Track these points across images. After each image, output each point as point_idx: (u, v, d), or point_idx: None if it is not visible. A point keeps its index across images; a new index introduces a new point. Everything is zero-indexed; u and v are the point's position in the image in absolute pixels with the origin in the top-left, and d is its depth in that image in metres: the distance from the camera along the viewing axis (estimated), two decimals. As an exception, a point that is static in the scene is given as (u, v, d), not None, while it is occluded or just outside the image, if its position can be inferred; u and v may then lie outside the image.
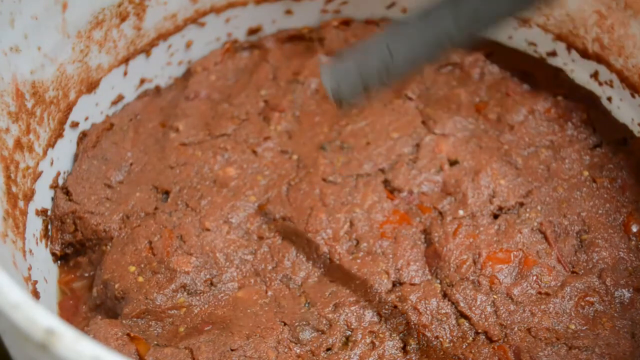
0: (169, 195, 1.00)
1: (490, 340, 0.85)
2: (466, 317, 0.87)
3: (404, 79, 0.74)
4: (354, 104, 0.78)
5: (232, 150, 1.04)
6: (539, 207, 0.97)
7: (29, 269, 0.89)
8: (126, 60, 1.08)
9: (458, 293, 0.89)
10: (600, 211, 0.97)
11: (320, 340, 0.85)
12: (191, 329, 0.86)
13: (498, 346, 0.85)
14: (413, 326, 0.87)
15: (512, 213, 0.97)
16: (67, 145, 1.03)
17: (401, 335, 0.86)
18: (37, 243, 0.94)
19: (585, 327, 0.87)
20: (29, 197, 0.93)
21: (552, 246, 0.94)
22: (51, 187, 1.00)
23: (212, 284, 0.91)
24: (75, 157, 1.04)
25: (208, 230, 0.95)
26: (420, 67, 0.73)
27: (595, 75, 1.08)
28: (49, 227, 0.99)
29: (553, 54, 1.12)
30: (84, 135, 1.05)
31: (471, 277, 0.90)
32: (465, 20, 0.66)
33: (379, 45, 0.72)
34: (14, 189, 0.88)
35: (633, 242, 0.95)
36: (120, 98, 1.10)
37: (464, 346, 0.85)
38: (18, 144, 0.89)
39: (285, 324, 0.86)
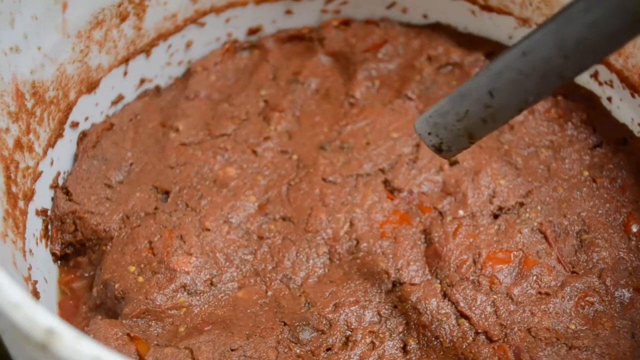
0: (169, 195, 1.00)
1: (490, 340, 0.85)
2: (466, 317, 0.87)
3: (509, 119, 0.69)
4: (455, 151, 0.75)
5: (232, 150, 1.04)
6: (539, 207, 0.97)
7: (29, 269, 0.89)
8: (126, 60, 1.08)
9: (458, 293, 0.89)
10: (600, 211, 0.97)
11: (320, 340, 0.85)
12: (191, 329, 0.87)
13: (498, 346, 0.85)
14: (413, 326, 0.87)
15: (512, 213, 0.97)
16: (67, 145, 1.03)
17: (401, 335, 0.86)
18: (37, 243, 0.94)
19: (585, 327, 0.87)
20: (29, 197, 0.93)
21: (552, 246, 0.94)
22: (51, 187, 1.00)
23: (212, 284, 0.91)
24: (75, 157, 1.04)
25: (208, 230, 0.95)
26: (527, 105, 0.66)
27: (595, 75, 1.08)
28: (49, 227, 0.99)
29: (553, 54, 1.12)
30: (84, 135, 1.05)
31: (471, 277, 0.90)
32: (572, 50, 0.59)
33: (478, 89, 0.67)
34: (14, 189, 0.88)
35: (633, 242, 0.95)
36: (120, 98, 1.10)
37: (464, 346, 0.85)
38: (18, 144, 0.89)
39: (285, 324, 0.86)
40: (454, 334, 0.86)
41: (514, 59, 0.64)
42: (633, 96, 1.03)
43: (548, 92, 0.65)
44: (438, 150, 0.75)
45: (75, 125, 1.03)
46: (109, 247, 0.96)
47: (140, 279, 0.91)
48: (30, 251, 0.91)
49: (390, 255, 0.93)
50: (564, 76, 0.62)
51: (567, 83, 0.63)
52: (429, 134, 0.74)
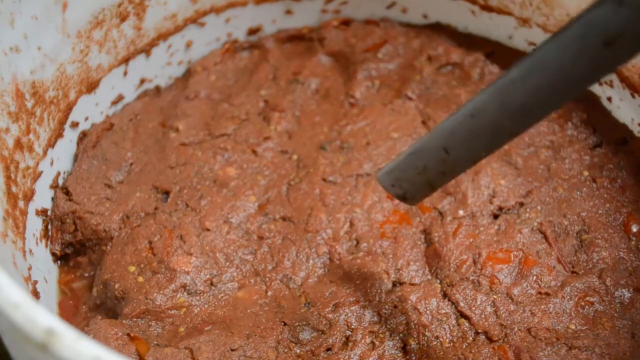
0: (169, 195, 1.00)
1: (490, 340, 0.85)
2: (466, 317, 0.87)
3: (467, 169, 0.74)
4: (419, 199, 0.79)
5: (232, 150, 1.04)
6: (539, 207, 0.97)
7: (29, 269, 0.89)
8: (126, 60, 1.08)
9: (458, 293, 0.89)
10: (600, 211, 0.97)
11: (320, 340, 0.85)
12: (191, 329, 0.87)
13: (498, 346, 0.85)
14: (413, 326, 0.87)
15: (512, 213, 0.97)
16: (67, 145, 1.03)
17: (401, 335, 0.86)
18: (37, 243, 0.94)
19: (585, 327, 0.87)
20: (29, 197, 0.93)
21: (552, 246, 0.94)
22: (51, 187, 1.00)
23: (212, 284, 0.91)
24: (75, 157, 1.04)
25: (208, 230, 0.95)
26: (481, 158, 0.70)
27: (595, 75, 1.08)
28: (49, 227, 0.99)
29: (553, 54, 1.12)
30: (84, 135, 1.05)
31: (471, 277, 0.90)
32: (516, 112, 0.62)
33: (434, 147, 0.71)
34: (14, 189, 0.88)
35: (633, 242, 0.95)
36: (120, 98, 1.10)
37: (464, 346, 0.85)
38: (18, 144, 0.89)
39: (285, 324, 0.86)
40: (454, 334, 0.86)
41: (464, 120, 0.67)
42: (633, 96, 1.03)
43: (500, 146, 0.69)
44: (403, 199, 0.80)
45: (75, 125, 1.03)
46: (109, 247, 0.96)
47: (140, 279, 0.91)
48: (30, 251, 0.91)
49: (390, 255, 0.93)
50: (513, 133, 0.66)
51: (518, 136, 0.67)
52: (392, 186, 0.79)
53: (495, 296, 0.89)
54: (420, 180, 0.75)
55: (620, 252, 0.93)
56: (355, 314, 0.87)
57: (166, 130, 1.07)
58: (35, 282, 0.90)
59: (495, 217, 0.97)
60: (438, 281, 0.91)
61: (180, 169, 1.02)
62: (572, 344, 0.84)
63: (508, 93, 0.62)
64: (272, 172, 1.02)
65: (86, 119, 1.05)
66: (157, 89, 1.15)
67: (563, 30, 0.57)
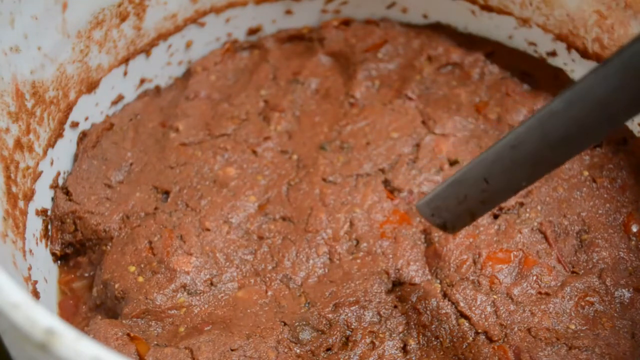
0: (169, 195, 1.00)
1: (490, 340, 0.85)
2: (466, 317, 0.87)
3: (507, 199, 0.75)
4: (459, 227, 0.81)
5: (232, 150, 1.04)
6: (539, 207, 0.97)
7: (29, 269, 0.89)
8: (126, 60, 1.08)
9: (458, 293, 0.89)
10: (600, 211, 0.97)
11: (320, 340, 0.85)
12: (191, 329, 0.86)
13: (498, 346, 0.85)
14: (413, 326, 0.87)
15: (512, 213, 0.97)
16: (67, 145, 1.03)
17: (401, 335, 0.86)
18: (37, 243, 0.94)
19: (585, 327, 0.87)
20: (29, 197, 0.93)
21: (552, 246, 0.94)
22: (51, 187, 1.00)
23: (212, 284, 0.91)
24: (75, 157, 1.04)
25: (208, 230, 0.95)
26: (522, 188, 0.71)
27: (595, 75, 1.08)
28: (49, 227, 0.99)
29: (553, 54, 1.12)
30: (84, 135, 1.05)
31: (471, 277, 0.90)
32: (557, 143, 0.63)
33: (475, 177, 0.72)
34: (14, 189, 0.88)
35: (633, 242, 0.95)
36: (120, 98, 1.10)
37: (464, 346, 0.85)
38: (18, 144, 0.89)
39: (285, 324, 0.86)
40: (454, 334, 0.86)
41: (505, 151, 0.68)
42: (633, 96, 1.03)
43: (540, 177, 0.70)
44: (443, 228, 0.81)
45: (75, 125, 1.03)
46: (109, 247, 0.96)
47: (140, 279, 0.91)
48: (30, 251, 0.91)
49: (390, 255, 0.93)
50: (554, 164, 0.67)
51: (559, 167, 0.68)
52: (432, 215, 0.80)
53: (495, 296, 0.89)
54: (461, 210, 0.76)
55: (620, 252, 0.93)
56: (355, 314, 0.87)
57: (166, 130, 1.07)
58: (35, 282, 0.90)
59: (495, 217, 0.97)
60: (438, 281, 0.91)
61: (180, 169, 1.02)
62: (572, 344, 0.84)
63: (550, 124, 0.62)
64: (272, 172, 1.02)
65: (86, 119, 1.05)
66: (157, 89, 1.15)
67: (606, 62, 0.57)
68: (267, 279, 0.92)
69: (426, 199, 0.80)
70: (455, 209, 0.77)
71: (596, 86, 0.58)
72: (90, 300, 0.95)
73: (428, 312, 0.87)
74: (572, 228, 0.96)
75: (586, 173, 1.01)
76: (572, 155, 0.65)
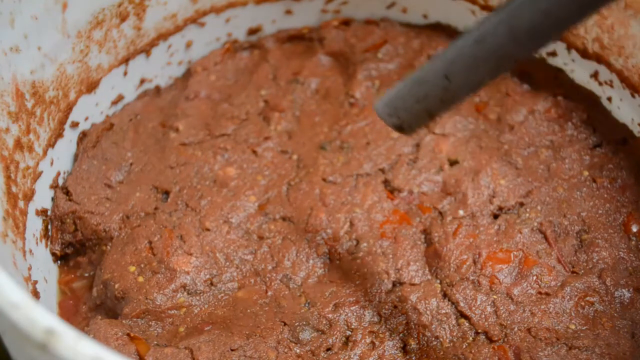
0: (169, 195, 1.00)
1: (490, 340, 0.85)
2: (466, 317, 0.87)
3: (467, 98, 0.74)
4: (416, 128, 0.79)
5: (232, 150, 1.04)
6: (539, 207, 0.97)
7: (29, 269, 0.89)
8: (126, 60, 1.08)
9: (458, 293, 0.89)
10: (600, 211, 0.97)
11: (320, 340, 0.85)
12: (191, 329, 0.87)
13: (498, 346, 0.85)
14: (413, 326, 0.87)
15: (512, 213, 0.97)
16: (67, 145, 1.03)
17: (401, 335, 0.86)
18: (37, 243, 0.94)
19: (585, 327, 0.87)
20: (29, 197, 0.93)
21: (552, 246, 0.94)
22: (51, 187, 1.00)
23: (212, 284, 0.91)
24: (75, 157, 1.04)
25: (208, 230, 0.95)
26: (483, 85, 0.70)
27: (595, 75, 1.08)
28: (49, 227, 0.99)
29: (553, 54, 1.12)
30: (84, 135, 1.05)
31: (471, 277, 0.90)
32: (524, 36, 0.62)
33: (435, 75, 0.70)
34: (14, 189, 0.88)
35: (633, 242, 0.95)
36: (120, 98, 1.10)
37: (464, 346, 0.85)
38: (18, 144, 0.89)
39: (285, 324, 0.86)
40: (454, 334, 0.86)
41: (467, 47, 0.66)
42: (633, 96, 1.03)
43: (502, 73, 0.69)
44: (400, 128, 0.78)
45: (75, 125, 1.03)
46: (109, 247, 0.96)
47: (140, 279, 0.91)
48: (30, 251, 0.91)
49: (390, 255, 0.93)
50: (518, 59, 0.65)
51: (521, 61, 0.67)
52: (390, 115, 0.78)
53: (495, 296, 0.89)
54: (419, 109, 0.74)
55: (620, 252, 0.93)
56: (355, 314, 0.87)
57: (166, 130, 1.07)
58: (35, 282, 0.90)
59: (495, 217, 0.97)
60: (438, 281, 0.91)
61: (180, 169, 1.02)
62: (572, 344, 0.84)
63: (517, 17, 0.61)
64: (272, 172, 1.02)
65: (86, 119, 1.05)
66: (157, 89, 1.15)
67: None
68: (267, 279, 0.92)
69: (385, 99, 0.78)
70: (413, 109, 0.75)
71: None
72: (90, 300, 0.95)
73: (428, 312, 0.87)
74: (572, 228, 0.96)
75: (586, 173, 1.01)
76: (536, 49, 0.64)
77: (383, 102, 0.78)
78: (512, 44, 0.63)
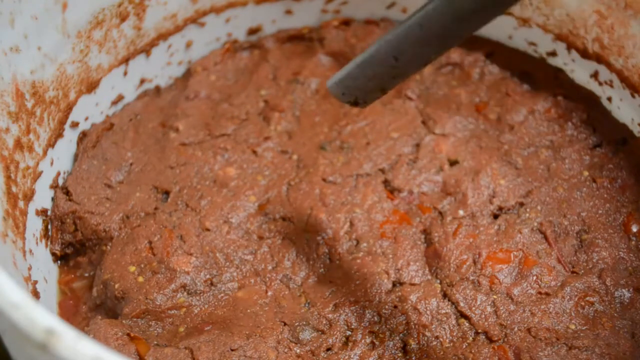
0: (169, 195, 1.00)
1: (490, 340, 0.85)
2: (466, 317, 0.87)
3: (418, 71, 0.76)
4: (370, 102, 0.82)
5: (232, 150, 1.04)
6: (539, 207, 0.97)
7: (29, 269, 0.89)
8: (126, 60, 1.08)
9: (458, 293, 0.89)
10: (600, 211, 0.97)
11: (320, 340, 0.85)
12: (191, 329, 0.87)
13: (498, 346, 0.85)
14: (413, 326, 0.87)
15: (512, 213, 0.97)
16: (67, 145, 1.03)
17: (401, 335, 0.86)
18: (37, 243, 0.94)
19: (585, 327, 0.87)
20: (29, 197, 0.93)
21: (552, 246, 0.94)
22: (51, 187, 1.00)
23: (212, 284, 0.91)
24: (75, 157, 1.04)
25: (208, 230, 0.95)
26: (432, 60, 0.73)
27: (595, 75, 1.08)
28: (49, 227, 0.99)
29: (553, 54, 1.12)
30: (84, 135, 1.05)
31: (471, 277, 0.90)
32: (467, 16, 0.65)
33: (384, 56, 0.73)
34: (14, 189, 0.88)
35: (633, 242, 0.95)
36: (120, 98, 1.10)
37: (464, 346, 0.85)
38: (18, 144, 0.89)
39: (285, 324, 0.86)
40: (454, 334, 0.86)
41: (413, 30, 0.69)
42: (633, 96, 1.03)
43: (449, 49, 0.72)
44: (355, 104, 0.82)
45: (75, 125, 1.03)
46: (109, 247, 0.96)
47: (140, 279, 0.91)
48: (30, 251, 0.91)
49: (390, 255, 0.93)
50: (465, 36, 0.68)
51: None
52: (343, 94, 0.81)
53: (495, 296, 0.89)
54: (372, 86, 0.78)
55: (620, 252, 0.93)
56: (355, 314, 0.87)
57: (166, 130, 1.07)
58: (35, 282, 0.90)
59: (495, 217, 0.97)
60: (438, 281, 0.91)
61: (180, 169, 1.02)
62: (572, 344, 0.84)
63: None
64: (272, 172, 1.02)
65: (86, 119, 1.05)
66: (157, 89, 1.15)
67: None
68: (267, 279, 0.92)
69: (336, 79, 0.81)
70: (366, 86, 0.78)
71: None
72: (90, 300, 0.95)
73: (428, 312, 0.87)
74: (572, 228, 0.96)
75: (586, 173, 1.01)
76: (480, 26, 0.66)
77: (334, 81, 0.81)
78: (457, 24, 0.66)
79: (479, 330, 0.86)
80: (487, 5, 0.64)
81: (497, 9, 0.64)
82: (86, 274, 0.99)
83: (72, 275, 0.99)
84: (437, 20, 0.67)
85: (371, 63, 0.75)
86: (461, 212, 0.96)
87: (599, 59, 1.06)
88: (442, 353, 0.85)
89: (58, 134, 0.99)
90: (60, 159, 1.01)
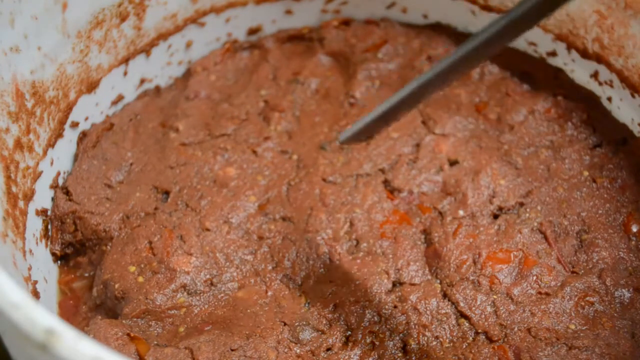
0: (169, 195, 1.00)
1: (490, 340, 0.85)
2: (466, 317, 0.87)
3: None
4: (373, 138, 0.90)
5: (232, 150, 1.04)
6: (539, 207, 0.97)
7: (29, 269, 0.89)
8: (126, 60, 1.08)
9: (458, 293, 0.89)
10: (600, 211, 0.97)
11: (320, 340, 0.85)
12: (191, 329, 0.87)
13: (498, 346, 0.85)
14: (413, 326, 0.87)
15: (512, 213, 0.97)
16: (67, 145, 1.03)
17: (401, 335, 0.86)
18: (37, 243, 0.94)
19: (585, 327, 0.87)
20: (29, 197, 0.93)
21: (552, 246, 0.94)
22: (51, 187, 1.00)
23: (212, 284, 0.91)
24: (75, 157, 1.04)
25: (208, 230, 0.95)
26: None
27: (595, 75, 1.08)
28: (49, 227, 0.99)
29: (553, 54, 1.12)
30: (84, 135, 1.05)
31: (471, 277, 0.90)
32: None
33: (405, 108, 0.78)
34: (14, 189, 0.88)
35: (633, 242, 0.95)
36: (120, 98, 1.10)
37: (464, 346, 0.85)
38: (18, 144, 0.89)
39: (285, 324, 0.86)
40: (454, 334, 0.86)
41: (434, 85, 0.73)
42: (633, 96, 1.03)
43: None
44: (363, 141, 0.89)
45: (75, 125, 1.03)
46: (109, 247, 0.96)
47: (140, 279, 0.91)
48: (30, 251, 0.91)
49: (390, 255, 0.93)
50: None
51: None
52: (355, 141, 0.85)
53: (495, 296, 0.89)
54: (380, 127, 0.83)
55: (620, 252, 0.93)
56: (355, 314, 0.87)
57: (166, 130, 1.07)
58: (35, 282, 0.90)
59: (495, 217, 0.97)
60: (438, 281, 0.91)
61: (180, 169, 1.02)
62: (572, 344, 0.84)
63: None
64: (272, 172, 1.02)
65: (86, 119, 1.05)
66: (157, 89, 1.15)
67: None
68: (267, 279, 0.92)
69: (349, 135, 0.84)
70: (375, 131, 0.84)
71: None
72: (90, 300, 0.95)
73: (428, 312, 0.87)
74: (572, 228, 0.96)
75: (586, 173, 1.01)
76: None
77: (347, 137, 0.84)
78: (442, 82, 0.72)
79: (479, 330, 0.86)
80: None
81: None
82: (86, 274, 0.99)
83: (72, 275, 0.99)
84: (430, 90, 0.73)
85: (387, 119, 0.79)
86: (461, 212, 0.96)
87: (599, 59, 1.06)
88: (442, 353, 0.85)
89: (58, 134, 0.99)
90: (60, 159, 1.01)
